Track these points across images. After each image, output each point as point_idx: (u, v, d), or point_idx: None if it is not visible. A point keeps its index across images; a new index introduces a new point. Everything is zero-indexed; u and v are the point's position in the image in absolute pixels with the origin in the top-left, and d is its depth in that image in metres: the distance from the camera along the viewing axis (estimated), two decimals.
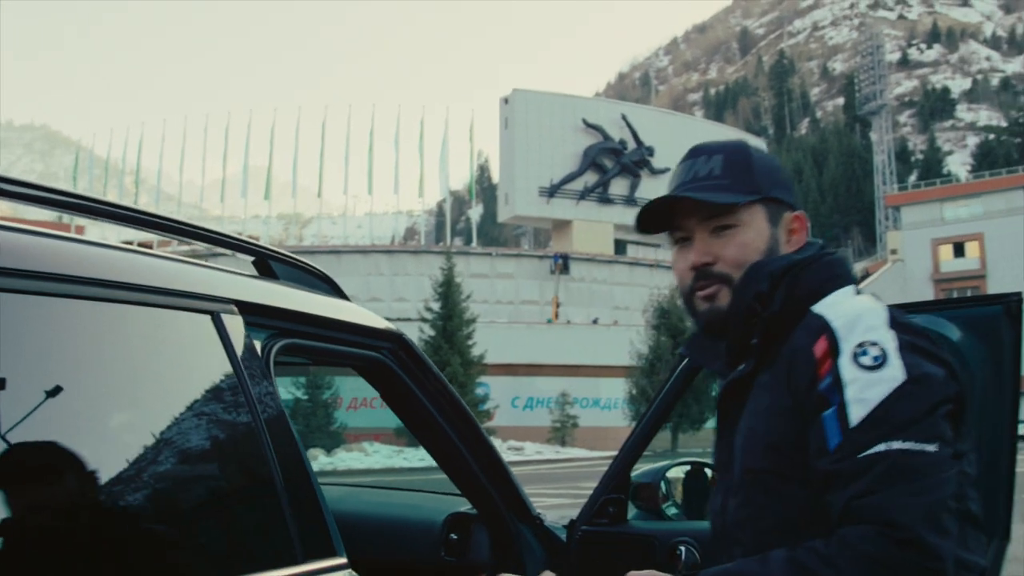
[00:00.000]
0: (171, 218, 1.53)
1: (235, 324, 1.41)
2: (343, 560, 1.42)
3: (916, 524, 1.13)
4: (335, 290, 1.89)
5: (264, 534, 1.38)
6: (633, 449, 2.36)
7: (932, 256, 64.63)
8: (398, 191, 59.28)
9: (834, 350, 1.26)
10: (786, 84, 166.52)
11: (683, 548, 2.18)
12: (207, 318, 1.36)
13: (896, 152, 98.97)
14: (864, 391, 1.21)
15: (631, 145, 60.77)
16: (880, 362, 1.22)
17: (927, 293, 62.99)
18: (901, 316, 1.31)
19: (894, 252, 67.86)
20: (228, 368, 1.36)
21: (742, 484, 1.37)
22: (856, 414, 1.20)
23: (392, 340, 1.90)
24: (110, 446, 1.15)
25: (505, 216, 61.48)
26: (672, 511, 2.43)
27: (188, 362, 1.36)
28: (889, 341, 1.24)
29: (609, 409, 37.79)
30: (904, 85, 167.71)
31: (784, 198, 1.48)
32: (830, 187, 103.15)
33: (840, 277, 1.41)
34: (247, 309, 1.45)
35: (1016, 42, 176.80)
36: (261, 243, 1.79)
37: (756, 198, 1.44)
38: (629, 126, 60.74)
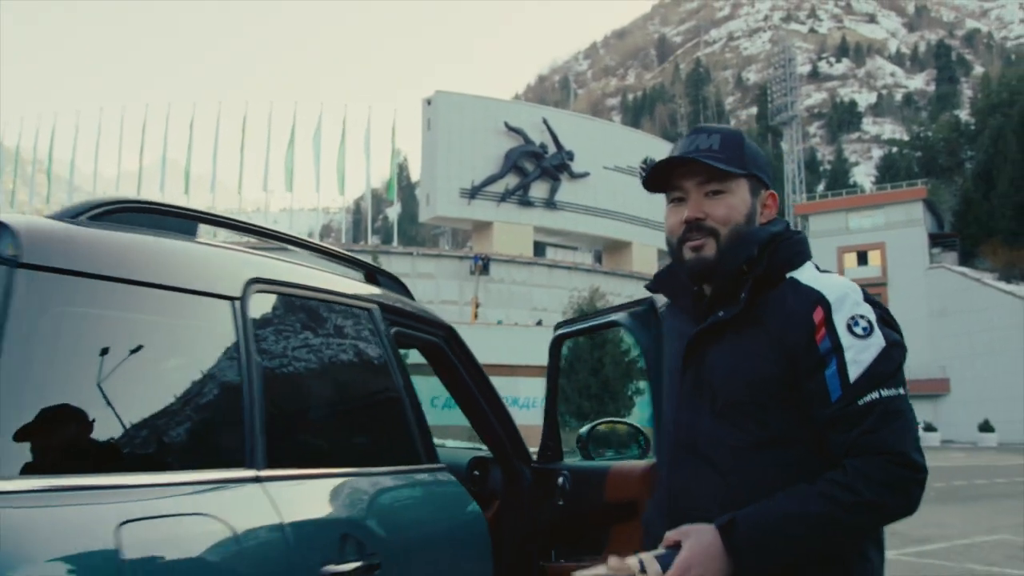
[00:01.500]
0: (302, 238, 2.34)
1: (379, 316, 2.30)
2: (444, 465, 2.35)
3: (908, 449, 1.53)
4: (406, 291, 2.68)
5: (404, 440, 2.25)
6: (551, 414, 3.33)
7: (837, 263, 66.82)
8: (319, 189, 59.22)
9: (828, 318, 1.58)
10: (702, 92, 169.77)
11: (561, 478, 3.03)
12: (368, 313, 2.26)
13: (806, 162, 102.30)
14: (859, 355, 1.56)
15: (552, 149, 61.61)
16: (868, 332, 1.58)
17: None
18: (867, 293, 1.66)
19: None
20: (381, 340, 2.24)
21: (721, 411, 1.65)
22: (854, 372, 1.55)
23: (446, 330, 2.73)
24: (341, 379, 2.15)
25: (426, 216, 61.84)
26: (595, 453, 3.24)
27: (362, 336, 2.21)
28: (871, 315, 1.61)
29: (528, 408, 38.59)
30: (814, 97, 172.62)
31: (763, 178, 1.78)
32: None
33: (805, 253, 1.74)
34: (383, 308, 2.33)
35: (919, 59, 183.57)
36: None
37: (744, 172, 1.73)
38: (550, 130, 61.62)
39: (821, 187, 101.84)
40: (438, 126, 58.96)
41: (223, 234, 2.47)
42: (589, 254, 69.01)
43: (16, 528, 1.17)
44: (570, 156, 61.62)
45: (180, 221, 1.79)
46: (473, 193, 58.76)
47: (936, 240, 67.42)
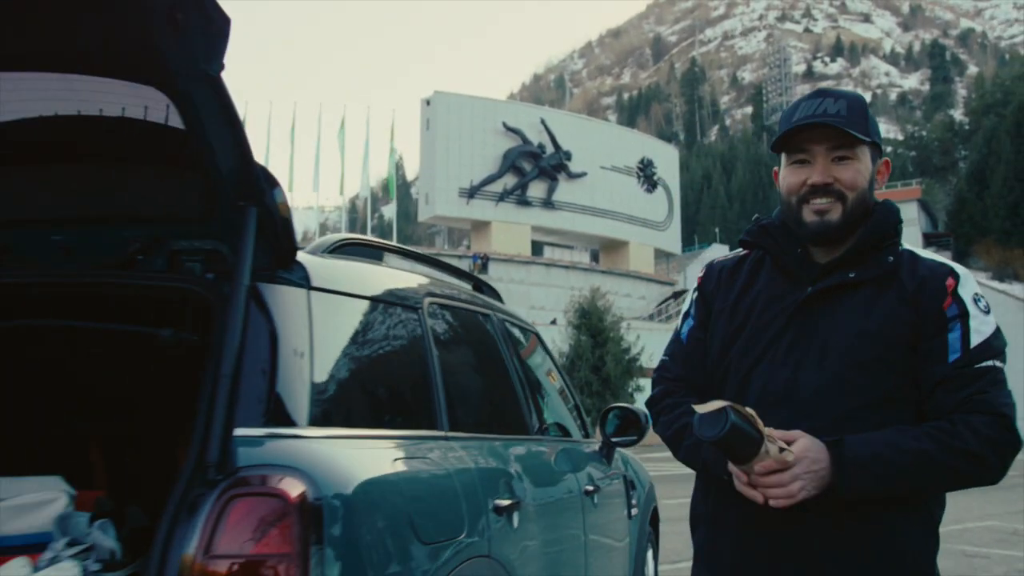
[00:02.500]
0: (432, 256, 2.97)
1: (495, 319, 2.94)
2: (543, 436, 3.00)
3: (1012, 415, 1.63)
4: (499, 299, 3.29)
5: (519, 415, 2.91)
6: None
7: None
8: (318, 188, 59.82)
9: (957, 289, 1.69)
10: (697, 92, 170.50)
11: None
12: (488, 317, 2.89)
13: None
14: (981, 326, 1.67)
15: (549, 149, 62.05)
16: (988, 310, 1.70)
17: None
18: None
19: None
20: (498, 335, 2.90)
21: (839, 365, 1.68)
22: (975, 339, 1.66)
23: (530, 328, 3.32)
24: (479, 367, 2.84)
25: (425, 216, 62.33)
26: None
27: (488, 334, 2.87)
28: (985, 298, 1.73)
29: None
30: None
31: (881, 146, 1.80)
32: (738, 193, 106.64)
33: None
34: (495, 312, 2.96)
35: (913, 59, 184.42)
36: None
37: (870, 140, 1.75)
38: (548, 130, 62.07)
39: None
40: (437, 126, 59.36)
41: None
42: (586, 253, 69.56)
43: (341, 458, 1.74)
44: (568, 156, 62.04)
45: (372, 250, 2.42)
46: (472, 193, 59.21)
47: (930, 239, 67.99)
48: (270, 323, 1.79)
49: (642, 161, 63.75)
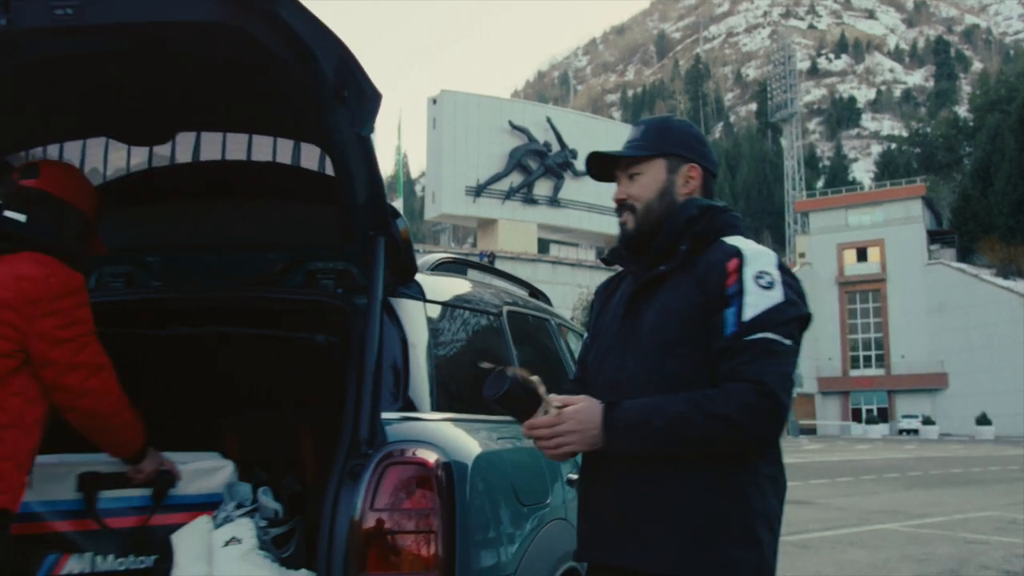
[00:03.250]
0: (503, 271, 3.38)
1: (551, 324, 3.35)
2: None
3: (774, 385, 1.72)
4: (549, 303, 3.71)
5: None
6: None
7: (837, 260, 67.82)
8: None
9: (740, 269, 1.81)
10: (701, 89, 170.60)
11: None
12: (549, 323, 3.33)
13: (805, 158, 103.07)
14: (757, 301, 1.78)
15: (555, 147, 62.42)
16: (770, 286, 1.80)
17: (833, 295, 66.19)
18: (783, 261, 1.89)
19: (802, 256, 71.16)
20: (554, 335, 3.33)
21: (649, 349, 1.87)
22: (748, 314, 1.77)
23: (575, 328, 3.74)
24: (542, 361, 3.21)
25: (432, 214, 62.77)
26: None
27: (548, 333, 3.29)
28: (777, 275, 1.82)
29: None
30: (813, 93, 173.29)
31: (685, 154, 2.00)
32: (743, 191, 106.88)
33: (737, 227, 1.97)
34: (551, 316, 3.36)
35: (917, 55, 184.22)
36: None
37: (653, 153, 1.98)
38: (553, 129, 62.44)
39: (820, 183, 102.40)
40: (443, 125, 59.74)
41: None
42: (592, 251, 70.02)
43: (459, 436, 2.16)
44: (573, 154, 62.39)
45: (459, 266, 2.86)
46: (478, 191, 59.60)
47: (934, 237, 68.23)
48: (399, 329, 2.23)
49: None
